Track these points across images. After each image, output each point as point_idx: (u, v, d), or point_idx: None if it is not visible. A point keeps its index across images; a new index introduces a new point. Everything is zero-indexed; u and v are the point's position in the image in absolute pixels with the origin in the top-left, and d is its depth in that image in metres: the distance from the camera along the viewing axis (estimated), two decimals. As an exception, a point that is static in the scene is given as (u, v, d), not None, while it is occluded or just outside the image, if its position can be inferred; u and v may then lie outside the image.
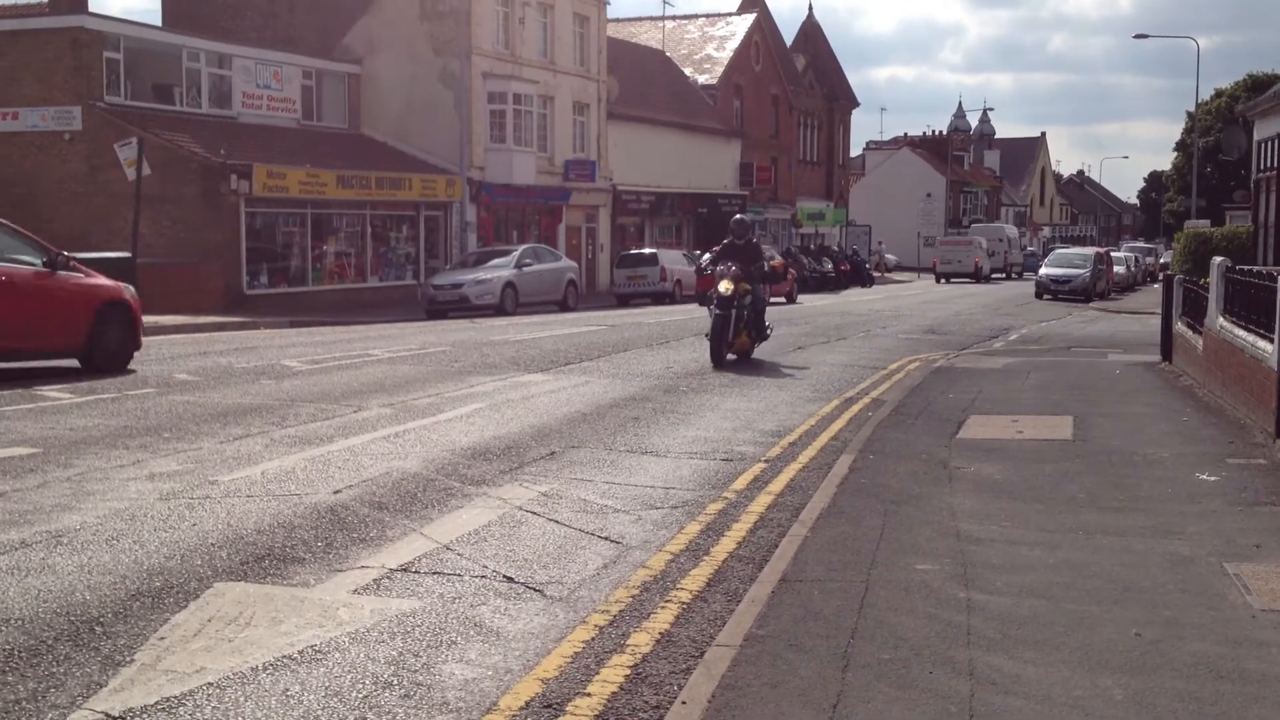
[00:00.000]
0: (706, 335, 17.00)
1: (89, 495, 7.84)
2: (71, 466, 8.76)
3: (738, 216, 18.44)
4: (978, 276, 59.51)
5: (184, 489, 8.07)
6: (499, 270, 31.19)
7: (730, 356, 16.65)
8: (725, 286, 16.39)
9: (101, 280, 15.29)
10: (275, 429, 10.56)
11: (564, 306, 32.88)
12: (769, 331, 17.77)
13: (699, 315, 28.72)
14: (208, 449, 9.55)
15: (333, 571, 6.32)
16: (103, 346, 14.82)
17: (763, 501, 8.23)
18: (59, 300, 14.45)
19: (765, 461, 9.69)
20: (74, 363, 14.82)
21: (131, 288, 15.95)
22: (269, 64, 34.82)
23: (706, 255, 18.31)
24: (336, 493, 8.06)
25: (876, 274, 58.42)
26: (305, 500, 7.82)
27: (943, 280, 58.78)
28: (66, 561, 6.33)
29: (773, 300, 36.34)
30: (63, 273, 14.52)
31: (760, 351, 17.58)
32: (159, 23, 38.06)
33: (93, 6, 31.43)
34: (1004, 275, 65.83)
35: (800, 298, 39.00)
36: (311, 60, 36.76)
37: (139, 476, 8.45)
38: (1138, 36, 54.21)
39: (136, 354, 15.58)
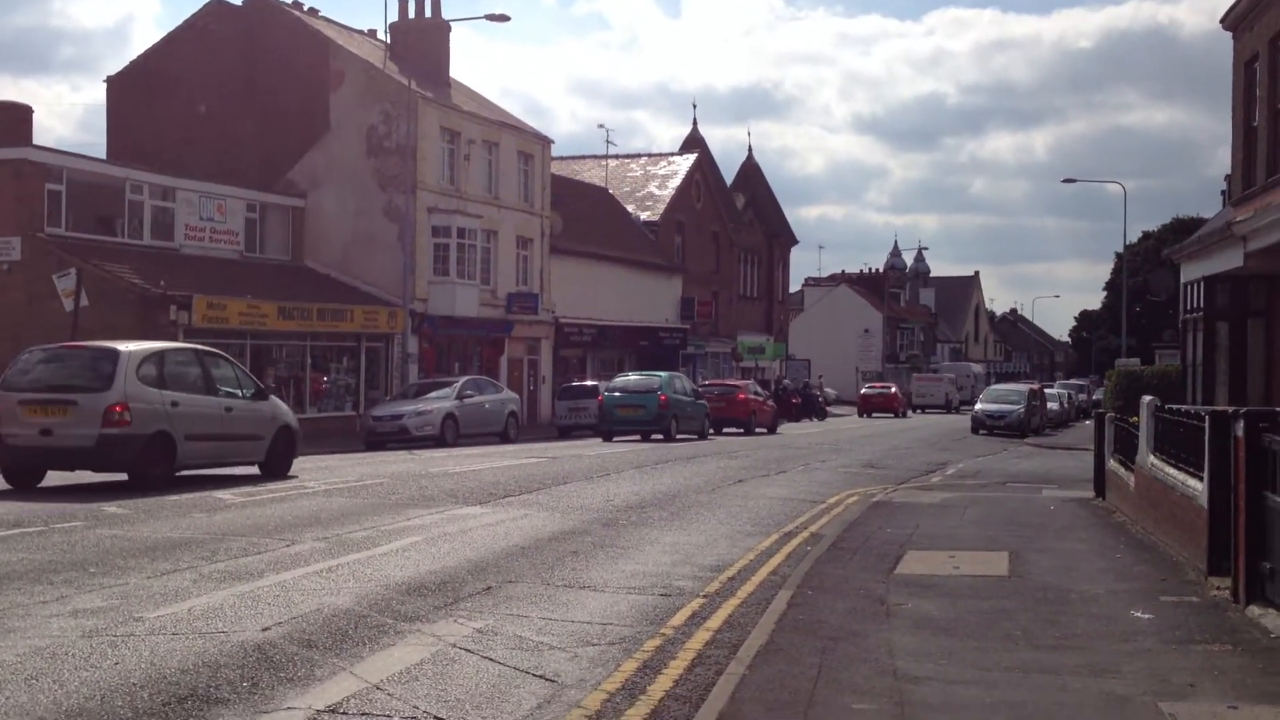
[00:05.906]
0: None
1: (9, 632, 7.62)
2: (-9, 602, 8.52)
3: None
4: (948, 407, 70.21)
5: (108, 626, 7.87)
6: (440, 402, 31.08)
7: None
8: None
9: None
10: (205, 564, 10.35)
11: (505, 438, 32.70)
12: None
13: (642, 448, 28.72)
14: (134, 584, 9.34)
15: (258, 714, 6.15)
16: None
17: (701, 638, 8.15)
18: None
19: (704, 597, 9.62)
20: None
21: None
22: (213, 196, 34.96)
23: None
24: (265, 630, 7.88)
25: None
26: (232, 638, 7.64)
27: (918, 410, 68.70)
28: (-20, 703, 6.13)
29: (758, 430, 36.87)
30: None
31: (701, 485, 17.55)
32: (104, 154, 38.20)
33: (37, 139, 31.51)
34: (971, 407, 69.74)
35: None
36: (255, 193, 36.96)
37: (62, 613, 8.22)
38: (1066, 181, 55.99)
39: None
